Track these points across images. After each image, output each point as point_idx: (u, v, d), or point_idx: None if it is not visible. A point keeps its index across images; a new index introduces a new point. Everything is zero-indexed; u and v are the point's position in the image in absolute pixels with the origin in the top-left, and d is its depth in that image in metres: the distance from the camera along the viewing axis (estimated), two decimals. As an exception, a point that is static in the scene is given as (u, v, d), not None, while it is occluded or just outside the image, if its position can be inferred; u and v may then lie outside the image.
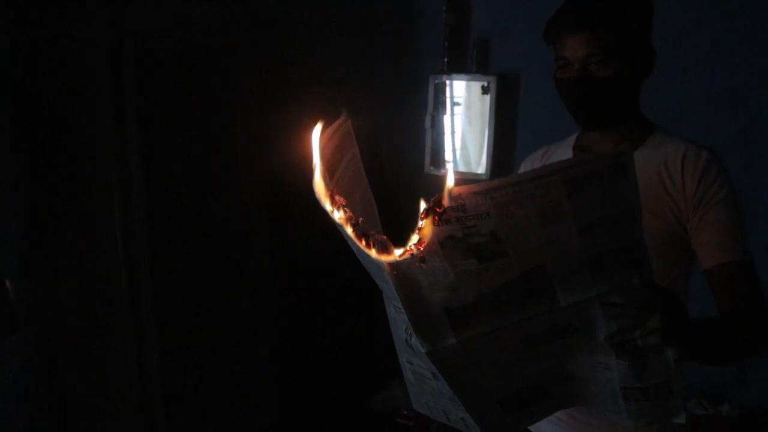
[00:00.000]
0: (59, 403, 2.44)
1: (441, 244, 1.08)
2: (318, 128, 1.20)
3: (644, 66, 1.61)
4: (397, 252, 1.10)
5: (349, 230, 1.13)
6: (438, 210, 1.05)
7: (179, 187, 2.87)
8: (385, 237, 1.12)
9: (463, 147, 3.24)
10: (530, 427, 1.65)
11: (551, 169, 1.07)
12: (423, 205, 1.06)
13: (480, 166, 3.11)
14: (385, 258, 1.10)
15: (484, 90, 3.05)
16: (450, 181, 1.05)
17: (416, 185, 3.26)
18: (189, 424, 2.92)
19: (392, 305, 1.24)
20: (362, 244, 1.12)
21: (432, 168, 3.25)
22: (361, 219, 1.14)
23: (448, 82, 3.19)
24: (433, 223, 1.05)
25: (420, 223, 1.06)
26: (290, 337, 3.28)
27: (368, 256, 1.11)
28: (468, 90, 3.17)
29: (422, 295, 1.13)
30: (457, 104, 3.21)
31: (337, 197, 1.15)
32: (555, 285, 1.14)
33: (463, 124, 3.22)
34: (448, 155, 3.24)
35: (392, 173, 3.26)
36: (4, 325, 0.69)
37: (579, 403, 1.34)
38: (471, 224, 1.07)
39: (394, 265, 1.10)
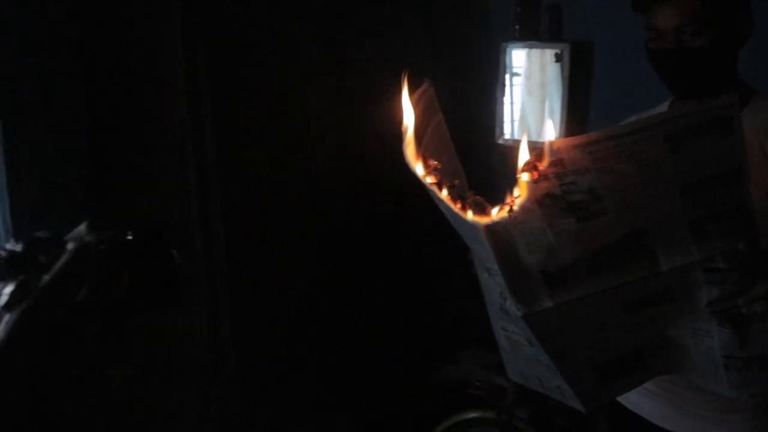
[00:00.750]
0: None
1: (539, 202, 1.05)
2: (405, 92, 1.17)
3: (741, 33, 1.54)
4: (494, 212, 1.08)
5: (443, 193, 1.10)
6: (537, 166, 1.02)
7: (252, 156, 2.86)
8: (480, 198, 1.10)
9: (524, 117, 3.19)
10: (619, 399, 1.62)
11: (651, 122, 1.04)
12: (522, 161, 1.03)
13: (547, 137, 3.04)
14: (481, 219, 1.07)
15: (558, 58, 2.99)
16: (551, 135, 1.02)
17: (488, 155, 3.21)
18: (257, 389, 2.94)
19: (486, 270, 1.21)
20: (457, 207, 1.09)
21: (505, 137, 3.20)
22: (456, 181, 1.12)
23: (516, 50, 3.13)
24: (532, 179, 1.02)
25: (520, 179, 1.03)
26: (357, 308, 3.28)
27: (463, 219, 1.09)
28: (529, 58, 3.12)
29: (518, 257, 1.10)
30: (516, 74, 3.16)
31: (430, 161, 1.13)
32: (656, 249, 1.11)
33: (525, 94, 3.17)
34: (520, 124, 3.19)
35: (463, 143, 3.22)
36: (170, 295, 0.69)
37: (677, 371, 1.30)
38: (569, 180, 1.03)
39: (491, 227, 1.07)
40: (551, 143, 1.00)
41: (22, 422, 0.66)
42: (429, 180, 1.11)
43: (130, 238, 0.78)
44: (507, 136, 3.20)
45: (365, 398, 3.18)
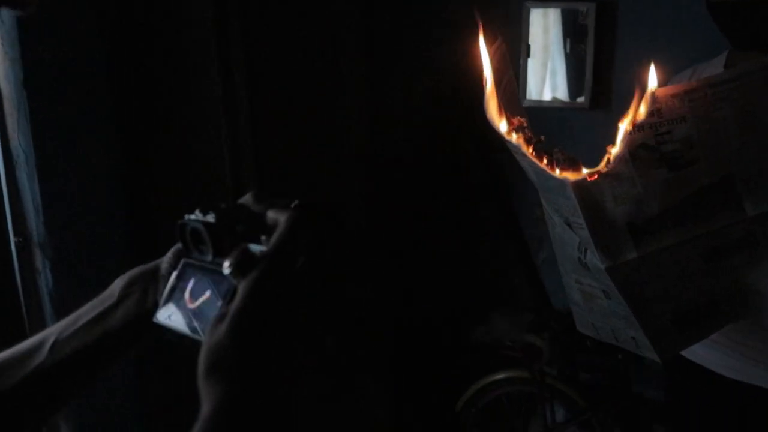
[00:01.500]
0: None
1: (632, 154, 1.06)
2: (483, 46, 1.18)
3: None
4: (585, 170, 1.10)
5: (528, 150, 1.12)
6: (635, 117, 1.03)
7: (285, 129, 2.85)
8: (570, 154, 1.11)
9: (553, 76, 3.18)
10: (683, 352, 1.65)
11: (750, 69, 1.05)
12: (631, 114, 1.04)
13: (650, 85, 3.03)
14: (571, 175, 1.09)
15: (582, 17, 2.99)
16: (652, 83, 1.03)
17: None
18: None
19: (565, 224, 1.23)
20: (543, 163, 1.11)
21: (529, 99, 3.20)
22: (542, 137, 1.13)
23: (540, 9, 3.13)
24: (628, 131, 1.04)
25: (620, 130, 1.05)
26: (386, 273, 3.29)
27: (549, 175, 1.10)
28: (555, 19, 3.12)
29: (605, 210, 1.12)
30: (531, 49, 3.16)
31: (515, 118, 1.14)
32: (743, 194, 1.13)
33: (556, 53, 3.16)
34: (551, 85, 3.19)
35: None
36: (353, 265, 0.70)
37: (751, 316, 1.33)
38: (665, 130, 1.05)
39: (580, 182, 1.09)
40: (653, 92, 1.02)
41: (254, 388, 0.67)
42: (514, 136, 1.13)
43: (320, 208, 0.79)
44: (532, 97, 3.20)
45: (398, 361, 3.21)
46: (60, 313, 2.28)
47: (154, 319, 0.82)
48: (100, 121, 2.31)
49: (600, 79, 3.06)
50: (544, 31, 3.19)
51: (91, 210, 2.32)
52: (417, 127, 3.25)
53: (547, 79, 3.25)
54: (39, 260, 2.30)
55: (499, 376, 2.92)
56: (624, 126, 1.04)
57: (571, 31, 3.12)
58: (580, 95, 3.11)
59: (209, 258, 0.79)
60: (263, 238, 0.73)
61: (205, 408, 0.65)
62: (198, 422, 0.65)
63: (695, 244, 1.16)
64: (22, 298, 2.32)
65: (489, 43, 1.16)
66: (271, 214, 0.75)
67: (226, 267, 0.70)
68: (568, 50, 3.17)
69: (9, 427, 0.86)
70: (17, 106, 2.20)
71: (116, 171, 2.35)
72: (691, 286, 1.24)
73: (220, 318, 0.68)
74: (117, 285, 0.88)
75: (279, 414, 0.67)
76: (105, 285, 2.42)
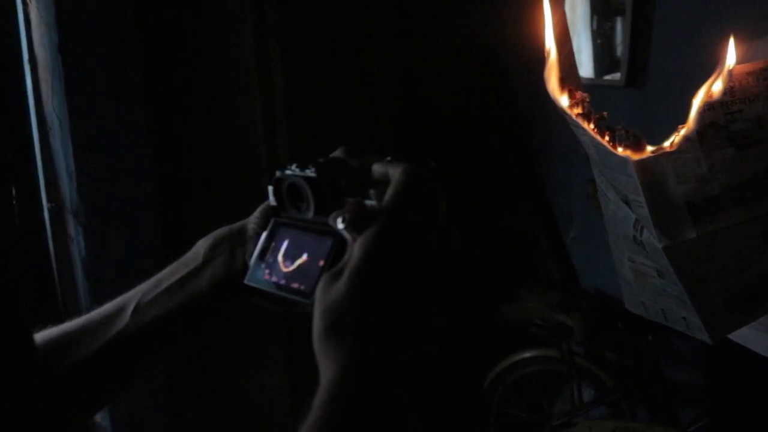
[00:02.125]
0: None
1: (699, 133, 1.04)
2: (548, 13, 1.15)
3: None
4: (648, 148, 1.07)
5: (590, 126, 1.09)
6: (709, 94, 1.01)
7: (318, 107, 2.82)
8: (633, 131, 1.09)
9: (577, 54, 3.13)
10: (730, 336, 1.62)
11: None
12: (702, 93, 1.01)
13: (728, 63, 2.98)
14: (636, 155, 1.06)
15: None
16: (731, 60, 1.00)
17: (544, 97, 3.17)
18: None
19: (619, 201, 1.20)
20: (605, 140, 1.08)
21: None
22: (605, 113, 1.10)
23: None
24: (700, 110, 1.01)
25: (692, 108, 1.02)
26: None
27: (611, 152, 1.08)
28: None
29: (666, 188, 1.10)
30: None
31: (577, 93, 1.11)
32: (807, 175, 1.10)
33: (582, 31, 3.11)
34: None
35: (516, 83, 3.19)
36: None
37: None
38: (736, 109, 1.02)
39: (643, 160, 1.06)
40: (730, 69, 0.99)
41: (376, 339, 0.63)
42: (576, 111, 1.10)
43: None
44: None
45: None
46: (92, 279, 2.28)
47: (246, 281, 0.78)
48: (133, 87, 2.30)
49: (636, 56, 3.00)
50: (572, 9, 3.14)
51: (123, 176, 2.31)
52: (449, 97, 3.22)
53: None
54: (72, 227, 2.30)
55: (527, 354, 2.91)
56: (697, 103, 1.01)
57: (601, 8, 3.06)
58: (608, 73, 3.06)
59: (309, 215, 0.75)
60: (371, 192, 0.69)
61: (329, 372, 0.62)
62: (323, 387, 0.62)
63: (755, 224, 1.14)
64: (54, 264, 2.33)
65: (554, 10, 1.13)
66: (379, 168, 0.71)
67: (340, 222, 0.67)
68: (594, 27, 3.12)
69: (91, 394, 0.84)
70: (52, 71, 2.19)
71: (148, 137, 2.34)
72: (748, 267, 1.21)
73: (335, 276, 0.65)
74: (201, 246, 0.83)
75: (410, 375, 0.64)
76: (137, 251, 2.42)
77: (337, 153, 0.78)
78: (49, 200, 2.29)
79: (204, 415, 2.54)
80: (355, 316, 0.63)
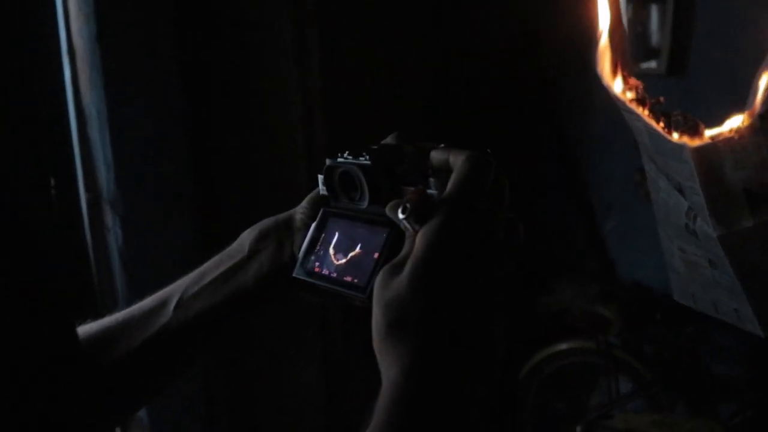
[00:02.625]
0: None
1: (762, 117, 1.01)
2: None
3: None
4: (707, 133, 1.04)
5: (644, 112, 1.06)
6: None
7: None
8: (691, 116, 1.06)
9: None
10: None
11: None
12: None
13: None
14: (693, 141, 1.04)
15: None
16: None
17: (583, 84, 3.13)
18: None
19: (670, 188, 1.18)
20: (660, 126, 1.06)
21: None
22: (662, 98, 1.08)
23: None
24: (766, 92, 0.98)
25: (760, 88, 0.99)
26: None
27: (666, 139, 1.05)
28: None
29: (723, 175, 1.07)
30: None
31: (630, 78, 1.08)
32: None
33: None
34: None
35: (555, 69, 3.15)
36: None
37: None
38: (800, 93, 0.99)
39: (700, 147, 1.03)
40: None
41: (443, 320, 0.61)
42: (629, 96, 1.07)
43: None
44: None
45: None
46: (129, 270, 2.29)
47: (295, 275, 0.75)
48: (170, 77, 2.30)
49: (677, 44, 2.96)
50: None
51: (161, 167, 2.31)
52: (485, 82, 3.18)
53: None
54: (109, 217, 2.30)
55: (564, 346, 2.88)
56: (763, 84, 0.98)
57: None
58: (644, 61, 3.01)
59: (363, 205, 0.72)
60: (431, 180, 0.66)
61: (392, 372, 0.59)
62: (386, 388, 0.59)
63: (814, 213, 1.10)
64: (91, 254, 2.33)
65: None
66: (438, 155, 0.67)
67: (400, 212, 0.63)
68: (630, 15, 3.07)
69: (133, 391, 0.82)
70: (90, 62, 2.20)
71: (185, 127, 2.34)
72: (804, 256, 1.18)
73: (395, 270, 0.62)
74: (246, 238, 0.81)
75: (475, 372, 0.61)
76: (173, 241, 2.42)
77: (389, 139, 0.75)
78: (86, 191, 2.29)
79: (238, 411, 2.54)
80: (419, 312, 0.60)
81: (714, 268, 1.20)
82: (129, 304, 0.83)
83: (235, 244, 0.81)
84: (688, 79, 2.82)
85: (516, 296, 0.68)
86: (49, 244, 0.66)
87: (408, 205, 0.63)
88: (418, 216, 0.62)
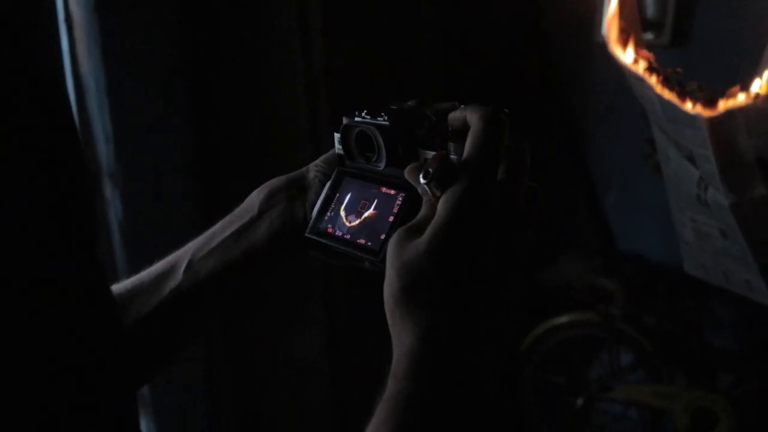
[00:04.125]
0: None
1: (777, 84, 0.99)
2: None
3: None
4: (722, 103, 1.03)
5: (656, 82, 1.05)
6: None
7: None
8: (707, 88, 1.05)
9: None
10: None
11: None
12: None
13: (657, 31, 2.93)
14: (708, 111, 1.02)
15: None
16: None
17: (586, 56, 3.10)
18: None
19: (680, 158, 1.16)
20: (674, 96, 1.04)
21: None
22: (678, 69, 1.06)
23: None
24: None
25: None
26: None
27: (678, 108, 1.04)
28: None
29: (736, 142, 1.06)
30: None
31: (642, 50, 1.07)
32: None
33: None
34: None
35: (558, 43, 3.12)
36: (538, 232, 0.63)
37: None
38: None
39: (717, 117, 1.02)
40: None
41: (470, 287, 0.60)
42: (642, 66, 1.06)
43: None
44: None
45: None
46: (129, 244, 2.27)
47: (307, 234, 0.74)
48: (171, 48, 2.27)
49: (681, 15, 2.92)
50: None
51: (160, 139, 2.29)
52: (488, 54, 3.16)
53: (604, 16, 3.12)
54: (109, 190, 2.28)
55: (565, 319, 2.88)
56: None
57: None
58: (646, 31, 2.96)
59: (380, 167, 0.71)
60: (450, 145, 0.65)
61: (407, 337, 0.59)
62: (402, 355, 0.58)
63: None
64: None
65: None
66: (456, 115, 0.66)
67: (422, 177, 0.62)
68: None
69: (146, 359, 0.80)
70: (88, 32, 2.17)
71: (186, 98, 2.32)
72: (818, 227, 1.17)
73: (412, 232, 0.61)
74: (255, 197, 0.79)
75: (488, 341, 0.61)
76: (174, 214, 2.41)
77: (411, 103, 0.74)
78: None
79: (241, 376, 2.54)
80: (437, 277, 0.59)
81: (725, 238, 1.20)
82: (129, 277, 0.82)
83: (244, 204, 0.80)
84: (692, 51, 2.80)
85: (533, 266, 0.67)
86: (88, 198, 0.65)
87: (431, 170, 0.62)
88: (440, 181, 0.61)
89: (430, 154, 0.66)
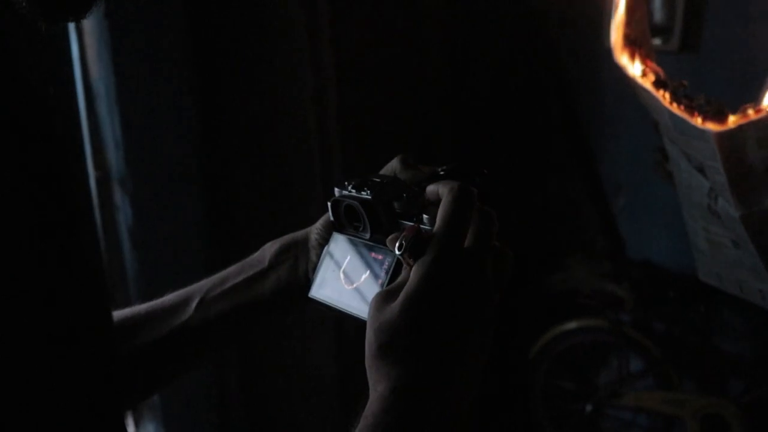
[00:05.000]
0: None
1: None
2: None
3: None
4: (731, 117, 1.03)
5: (663, 96, 1.05)
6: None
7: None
8: (715, 101, 1.04)
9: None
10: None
11: None
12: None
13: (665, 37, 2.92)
14: (717, 126, 1.02)
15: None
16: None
17: (594, 60, 3.10)
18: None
19: (691, 169, 1.16)
20: (681, 110, 1.04)
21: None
22: (684, 82, 1.06)
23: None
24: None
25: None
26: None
27: (688, 123, 1.04)
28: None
29: (745, 155, 1.05)
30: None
31: (649, 62, 1.07)
32: None
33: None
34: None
35: (565, 45, 3.12)
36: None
37: None
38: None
39: (726, 132, 1.02)
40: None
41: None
42: (650, 79, 1.06)
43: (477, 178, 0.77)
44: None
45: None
46: (139, 249, 2.28)
47: (310, 295, 0.82)
48: (180, 55, 2.27)
49: (690, 20, 2.91)
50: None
51: (170, 145, 2.30)
52: (495, 62, 3.15)
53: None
54: (118, 195, 2.29)
55: (574, 324, 2.87)
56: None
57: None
58: (654, 37, 2.95)
59: (367, 236, 0.79)
60: (425, 217, 0.72)
61: (381, 386, 0.66)
62: (375, 399, 0.66)
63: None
64: (101, 233, 2.33)
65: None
66: (431, 188, 0.74)
67: (397, 249, 0.69)
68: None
69: (147, 380, 0.88)
70: (98, 38, 2.18)
71: (195, 105, 2.32)
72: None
73: (389, 296, 0.68)
74: (268, 251, 0.88)
75: (459, 396, 0.67)
76: (183, 220, 2.41)
77: (390, 165, 0.82)
78: (95, 169, 2.28)
79: (250, 381, 2.54)
80: (408, 339, 0.66)
81: (737, 248, 1.19)
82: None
83: (257, 255, 0.89)
84: (701, 57, 2.78)
85: (501, 333, 0.73)
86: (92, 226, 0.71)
87: (404, 242, 0.69)
88: (412, 252, 0.68)
89: (408, 224, 0.74)
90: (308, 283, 0.84)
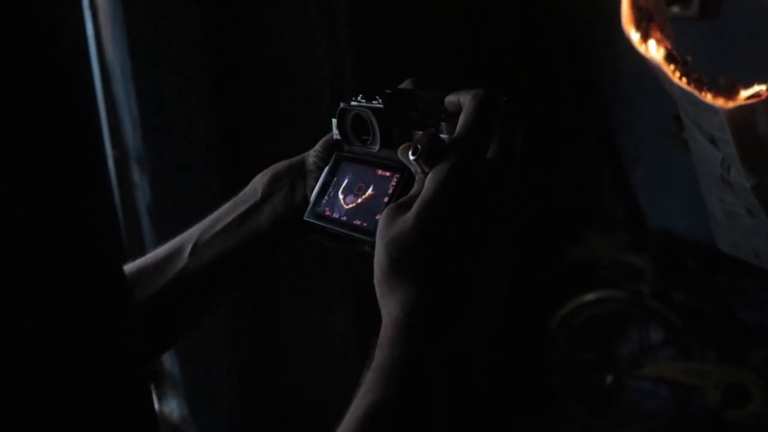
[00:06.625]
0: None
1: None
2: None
3: None
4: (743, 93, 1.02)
5: (671, 68, 1.04)
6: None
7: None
8: (728, 78, 1.03)
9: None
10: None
11: None
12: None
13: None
14: (729, 103, 1.01)
15: None
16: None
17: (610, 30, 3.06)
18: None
19: (704, 140, 1.15)
20: (691, 87, 1.04)
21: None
22: (689, 57, 1.05)
23: None
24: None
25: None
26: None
27: (693, 96, 1.03)
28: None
29: (756, 126, 1.04)
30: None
31: (661, 35, 1.06)
32: None
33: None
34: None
35: (580, 31, 3.09)
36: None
37: None
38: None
39: (736, 109, 1.01)
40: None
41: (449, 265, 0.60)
42: (661, 53, 1.05)
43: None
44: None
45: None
46: (158, 228, 2.29)
47: (305, 218, 0.76)
48: (195, 32, 2.27)
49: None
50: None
51: (187, 123, 2.30)
52: (513, 32, 3.12)
53: None
54: (136, 174, 2.31)
55: (594, 296, 2.86)
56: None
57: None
58: (673, 3, 2.91)
59: (375, 149, 0.72)
60: (443, 125, 0.65)
61: (395, 310, 0.59)
62: (388, 327, 0.59)
63: None
64: (120, 212, 2.34)
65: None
66: (451, 98, 0.66)
67: (411, 154, 0.62)
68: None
69: (151, 338, 0.80)
70: (113, 17, 2.18)
71: (212, 82, 2.33)
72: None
73: (401, 208, 0.61)
74: (259, 182, 0.81)
75: (478, 318, 0.61)
76: (202, 198, 2.42)
77: (406, 84, 0.74)
78: (113, 148, 2.29)
79: (270, 355, 2.56)
80: (424, 252, 0.59)
81: (752, 217, 1.19)
82: None
83: (248, 189, 0.82)
84: (720, 23, 2.75)
85: (523, 247, 0.67)
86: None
87: (419, 146, 0.62)
88: (428, 157, 0.61)
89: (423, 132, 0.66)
90: (306, 210, 0.77)
